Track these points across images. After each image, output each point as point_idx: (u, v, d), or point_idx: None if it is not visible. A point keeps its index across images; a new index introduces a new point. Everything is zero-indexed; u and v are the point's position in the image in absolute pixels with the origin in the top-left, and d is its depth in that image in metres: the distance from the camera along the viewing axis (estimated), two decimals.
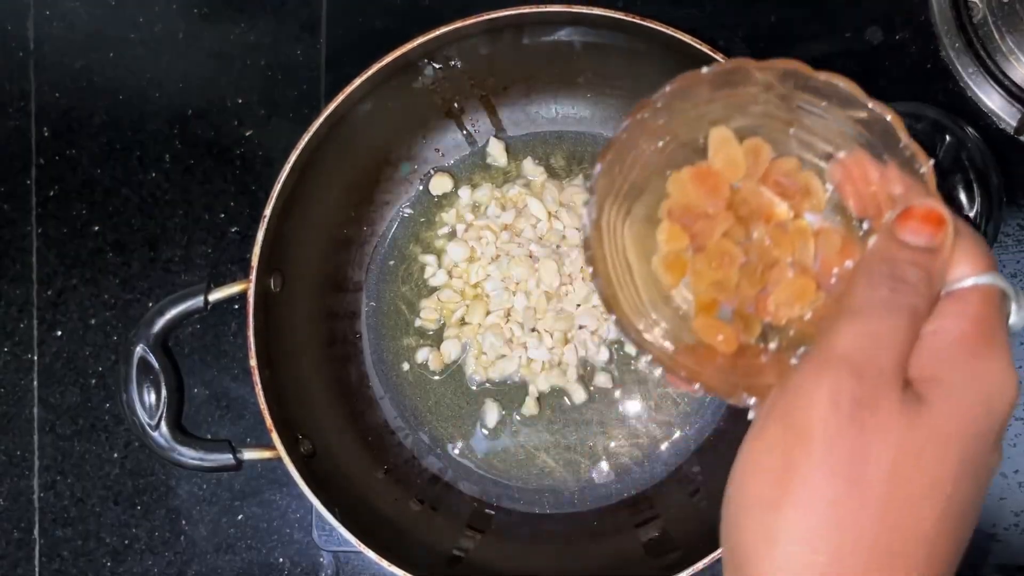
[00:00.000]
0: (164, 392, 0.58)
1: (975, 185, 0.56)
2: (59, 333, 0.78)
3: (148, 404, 0.57)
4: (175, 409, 0.58)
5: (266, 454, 0.59)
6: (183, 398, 0.59)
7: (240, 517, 0.75)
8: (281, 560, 0.74)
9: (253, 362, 0.58)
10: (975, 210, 0.56)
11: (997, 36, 0.70)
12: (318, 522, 0.71)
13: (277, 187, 0.60)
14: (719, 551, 0.58)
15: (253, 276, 0.59)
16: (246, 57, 0.80)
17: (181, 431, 0.59)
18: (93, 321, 0.78)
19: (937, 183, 0.52)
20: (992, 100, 0.71)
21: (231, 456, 0.59)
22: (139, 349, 0.57)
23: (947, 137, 0.56)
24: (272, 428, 0.58)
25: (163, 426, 0.58)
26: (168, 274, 0.78)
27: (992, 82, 0.69)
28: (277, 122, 0.79)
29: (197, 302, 0.59)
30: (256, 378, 0.58)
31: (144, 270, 0.78)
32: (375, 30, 0.77)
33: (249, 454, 0.59)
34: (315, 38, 0.79)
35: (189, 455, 0.58)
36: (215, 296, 0.59)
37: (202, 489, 0.75)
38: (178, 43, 0.81)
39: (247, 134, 0.79)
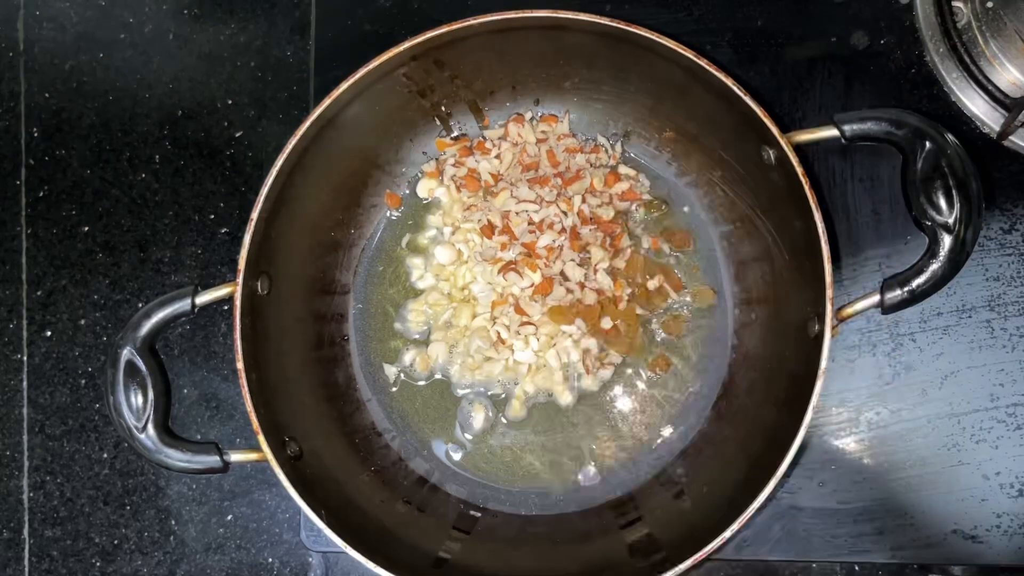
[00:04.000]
0: (151, 395, 0.58)
1: (954, 192, 0.56)
2: (49, 333, 0.78)
3: (135, 407, 0.58)
4: (162, 411, 0.58)
5: (253, 456, 0.59)
6: (170, 401, 0.59)
7: (229, 517, 0.75)
8: (270, 560, 0.75)
9: (240, 365, 0.59)
10: (954, 216, 0.56)
11: (981, 41, 0.71)
12: (306, 523, 0.72)
13: (264, 191, 0.60)
14: (703, 552, 0.58)
15: (240, 279, 0.59)
16: (236, 59, 0.80)
17: (168, 433, 0.59)
18: (83, 322, 0.78)
19: (917, 189, 0.53)
20: (976, 105, 0.71)
21: (218, 458, 0.59)
22: (126, 352, 0.57)
23: (927, 144, 0.57)
24: (259, 430, 0.58)
25: (150, 428, 0.58)
26: (158, 275, 0.78)
27: (976, 87, 0.70)
28: (267, 124, 0.79)
29: (184, 305, 0.59)
30: (243, 381, 0.59)
31: (134, 271, 0.79)
32: (364, 33, 0.78)
33: (236, 456, 0.60)
34: (305, 40, 0.79)
35: (176, 457, 0.58)
36: (202, 299, 0.60)
37: (192, 489, 0.75)
38: (168, 44, 0.81)
39: (237, 135, 0.79)
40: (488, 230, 0.68)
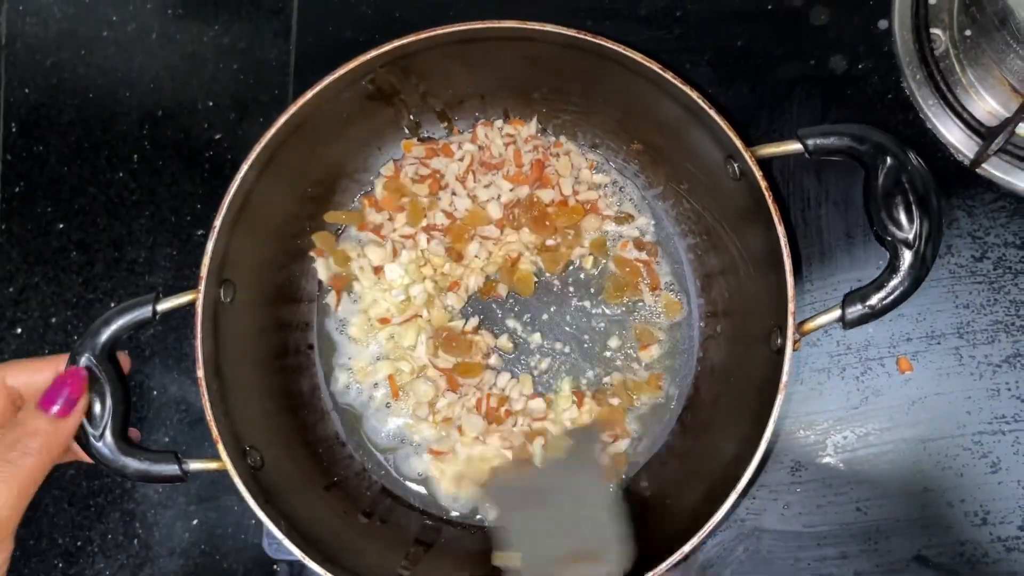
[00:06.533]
0: (109, 402, 0.57)
1: (915, 207, 0.56)
2: (19, 331, 0.78)
3: (93, 414, 0.57)
4: (120, 419, 0.58)
5: (212, 465, 0.58)
6: (129, 408, 0.59)
7: (195, 522, 0.75)
8: (235, 567, 0.74)
9: (200, 373, 0.58)
10: (914, 231, 0.56)
11: (958, 69, 0.70)
12: (267, 532, 0.71)
13: (227, 198, 0.60)
14: (661, 567, 0.57)
15: (202, 287, 0.59)
16: (219, 60, 0.80)
17: (126, 441, 0.58)
18: (54, 320, 0.78)
19: (878, 204, 0.53)
20: (951, 133, 0.71)
21: (176, 467, 0.58)
22: (84, 359, 0.57)
23: (889, 159, 0.57)
24: (219, 440, 0.58)
25: (107, 436, 0.57)
26: (132, 275, 0.78)
27: (951, 115, 0.69)
28: (247, 127, 0.79)
29: (145, 312, 0.58)
30: (203, 389, 0.58)
31: (108, 271, 0.78)
32: (345, 40, 0.77)
33: (195, 465, 0.59)
34: (287, 44, 0.79)
35: (133, 465, 0.58)
36: (164, 306, 0.59)
37: (158, 493, 0.75)
38: (151, 43, 0.81)
39: (217, 137, 0.79)
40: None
